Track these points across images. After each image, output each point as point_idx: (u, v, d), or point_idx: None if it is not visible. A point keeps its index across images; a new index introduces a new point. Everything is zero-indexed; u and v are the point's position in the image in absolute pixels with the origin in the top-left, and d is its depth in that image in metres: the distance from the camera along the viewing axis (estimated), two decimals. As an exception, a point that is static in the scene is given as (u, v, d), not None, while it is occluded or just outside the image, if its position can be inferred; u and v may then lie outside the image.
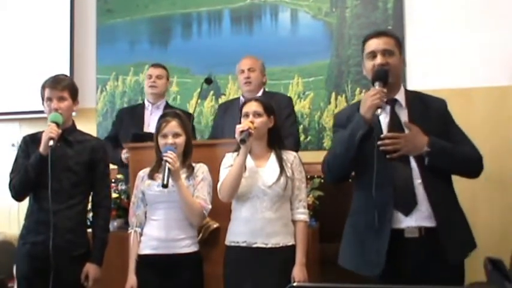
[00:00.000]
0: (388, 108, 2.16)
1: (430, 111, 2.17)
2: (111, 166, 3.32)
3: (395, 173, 2.08)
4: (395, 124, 2.14)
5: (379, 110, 2.04)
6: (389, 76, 2.11)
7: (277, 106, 3.18)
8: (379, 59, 2.15)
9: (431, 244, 2.04)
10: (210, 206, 2.48)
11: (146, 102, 3.62)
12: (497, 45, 3.85)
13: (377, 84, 2.09)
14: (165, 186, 2.33)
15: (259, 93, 3.32)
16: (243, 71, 3.35)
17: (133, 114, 3.59)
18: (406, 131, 2.12)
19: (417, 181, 2.08)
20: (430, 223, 2.05)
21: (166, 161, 2.35)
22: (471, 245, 2.15)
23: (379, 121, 2.15)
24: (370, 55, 2.18)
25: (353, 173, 2.27)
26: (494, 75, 3.82)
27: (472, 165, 2.18)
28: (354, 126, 2.11)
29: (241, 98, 3.36)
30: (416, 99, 2.20)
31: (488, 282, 1.33)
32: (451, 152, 2.10)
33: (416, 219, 2.06)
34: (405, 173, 2.08)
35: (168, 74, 3.66)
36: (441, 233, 2.04)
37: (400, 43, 2.24)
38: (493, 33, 3.86)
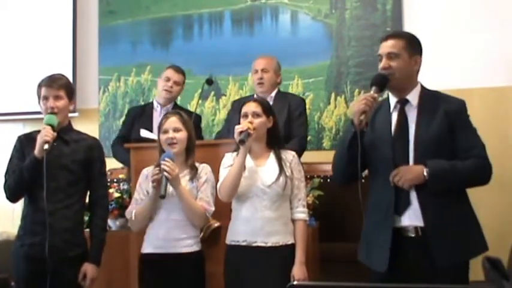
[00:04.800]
0: (398, 108, 2.20)
1: (439, 111, 2.16)
2: (111, 166, 3.35)
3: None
4: (402, 124, 2.17)
5: (362, 116, 2.07)
6: (389, 80, 2.14)
7: (288, 107, 3.21)
8: (381, 63, 2.18)
9: (427, 244, 2.07)
10: (213, 208, 2.49)
11: (155, 103, 3.55)
12: (495, 46, 3.87)
13: (373, 89, 2.13)
14: (162, 197, 2.35)
15: (273, 93, 3.32)
16: (256, 71, 3.33)
17: (143, 114, 3.53)
18: (411, 131, 2.14)
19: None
20: (420, 223, 2.09)
21: (163, 169, 2.36)
22: (469, 250, 2.12)
23: (390, 121, 2.20)
24: (379, 58, 2.22)
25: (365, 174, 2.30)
26: (493, 76, 3.84)
27: (477, 178, 2.18)
28: (346, 130, 2.18)
29: (255, 96, 3.36)
30: (430, 99, 2.20)
31: (486, 282, 1.35)
32: (452, 174, 2.11)
33: (410, 218, 2.11)
34: None
35: (185, 80, 3.58)
36: (429, 234, 2.08)
37: (413, 43, 2.22)
38: (491, 35, 3.88)
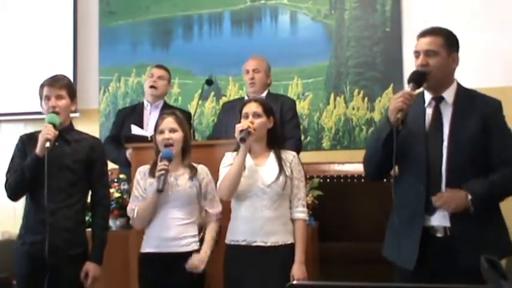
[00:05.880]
0: (433, 105, 2.18)
1: (475, 110, 2.12)
2: (112, 166, 3.38)
3: (428, 173, 2.12)
4: (436, 122, 2.15)
5: (399, 114, 2.05)
6: (427, 78, 2.12)
7: (280, 108, 3.23)
8: (419, 60, 2.15)
9: (454, 245, 2.06)
10: (220, 207, 2.55)
11: (145, 102, 3.62)
12: (494, 47, 3.88)
13: (410, 85, 2.12)
14: (160, 191, 2.38)
15: (264, 94, 3.34)
16: (247, 72, 3.37)
17: (133, 114, 3.59)
18: (446, 129, 2.12)
19: (443, 181, 2.10)
20: (449, 223, 2.08)
21: (163, 169, 2.39)
22: (495, 253, 2.08)
23: (424, 117, 2.18)
24: (415, 55, 2.18)
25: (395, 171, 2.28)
26: (492, 77, 3.85)
27: None
28: (381, 127, 2.16)
29: (246, 97, 3.38)
30: (466, 98, 2.17)
31: (485, 281, 1.35)
32: (492, 192, 2.09)
33: (439, 219, 2.10)
34: (435, 173, 2.11)
35: (170, 77, 3.66)
36: (455, 235, 2.07)
37: (451, 40, 2.18)
38: (490, 35, 3.89)
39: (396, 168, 2.22)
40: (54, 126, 2.39)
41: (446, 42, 2.16)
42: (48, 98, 2.47)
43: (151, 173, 2.50)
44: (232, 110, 3.39)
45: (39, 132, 2.42)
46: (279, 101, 3.30)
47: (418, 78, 2.13)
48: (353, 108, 4.21)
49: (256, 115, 2.45)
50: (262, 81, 3.36)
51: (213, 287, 2.55)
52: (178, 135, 2.50)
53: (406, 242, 2.12)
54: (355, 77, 4.21)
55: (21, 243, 2.48)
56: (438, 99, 2.18)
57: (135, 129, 3.40)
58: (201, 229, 2.67)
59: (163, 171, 2.38)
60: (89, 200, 2.61)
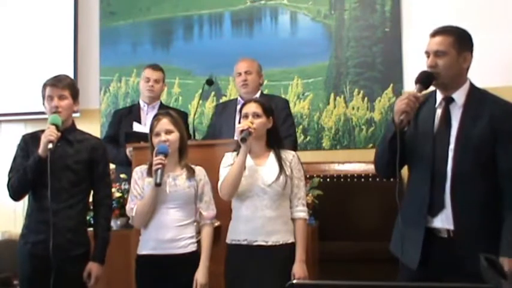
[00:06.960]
0: (442, 105, 2.15)
1: (485, 112, 2.08)
2: (111, 166, 3.38)
3: (433, 174, 2.11)
4: (444, 122, 2.13)
5: (403, 115, 2.04)
6: (434, 78, 2.10)
7: (274, 109, 3.24)
8: (428, 61, 2.13)
9: (457, 247, 2.05)
10: (215, 211, 2.54)
11: (141, 103, 3.63)
12: (494, 46, 3.89)
13: (416, 87, 2.10)
14: (158, 185, 2.38)
15: (257, 95, 3.34)
16: (239, 74, 3.36)
17: (130, 115, 3.60)
18: (453, 131, 2.09)
19: (448, 184, 2.09)
20: (452, 226, 2.07)
21: (159, 163, 2.38)
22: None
23: (433, 117, 2.16)
24: (426, 55, 2.16)
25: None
26: (489, 76, 3.85)
27: None
28: (388, 126, 2.16)
29: (239, 98, 3.40)
30: (477, 99, 2.13)
31: (484, 281, 1.36)
32: None
33: (442, 221, 2.09)
34: (440, 175, 2.10)
35: (165, 76, 3.67)
36: (459, 238, 2.05)
37: (463, 39, 2.15)
38: (488, 35, 3.89)
39: (405, 167, 2.22)
40: (57, 127, 2.40)
41: (457, 41, 2.13)
42: (50, 98, 2.47)
43: (149, 173, 2.50)
44: (225, 111, 3.42)
45: (41, 131, 2.43)
46: (272, 102, 3.31)
47: (425, 79, 2.11)
48: (353, 108, 4.23)
49: (255, 115, 2.46)
50: (255, 83, 3.36)
51: (213, 287, 2.56)
52: (174, 136, 2.49)
53: (410, 241, 2.11)
54: (355, 77, 4.22)
55: (23, 243, 2.49)
56: (448, 100, 2.15)
57: (136, 127, 3.41)
58: (198, 231, 2.68)
59: (160, 165, 2.38)
60: (90, 199, 2.62)
